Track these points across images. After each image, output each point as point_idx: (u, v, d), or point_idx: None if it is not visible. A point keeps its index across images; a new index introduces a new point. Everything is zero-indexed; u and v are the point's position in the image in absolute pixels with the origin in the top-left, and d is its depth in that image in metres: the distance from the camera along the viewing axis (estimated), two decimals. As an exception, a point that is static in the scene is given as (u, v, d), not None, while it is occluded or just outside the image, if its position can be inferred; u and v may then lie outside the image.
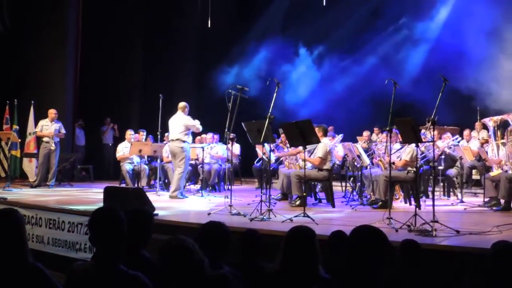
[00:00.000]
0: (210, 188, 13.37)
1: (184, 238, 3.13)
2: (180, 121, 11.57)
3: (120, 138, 15.45)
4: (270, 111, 8.84)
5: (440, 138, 12.06)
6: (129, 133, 13.92)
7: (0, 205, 10.17)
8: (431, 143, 8.87)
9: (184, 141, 11.54)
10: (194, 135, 13.50)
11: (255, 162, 14.20)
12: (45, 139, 13.73)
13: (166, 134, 13.33)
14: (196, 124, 11.69)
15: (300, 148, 9.66)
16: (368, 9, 16.00)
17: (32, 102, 14.81)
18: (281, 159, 12.53)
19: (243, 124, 9.42)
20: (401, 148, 10.34)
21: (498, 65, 12.58)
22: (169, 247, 3.08)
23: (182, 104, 11.80)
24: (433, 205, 7.36)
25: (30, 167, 14.86)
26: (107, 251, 3.38)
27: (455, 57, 13.07)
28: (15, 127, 15.06)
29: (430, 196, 9.93)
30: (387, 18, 15.45)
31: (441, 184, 12.07)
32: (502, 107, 11.63)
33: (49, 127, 13.65)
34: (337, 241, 4.82)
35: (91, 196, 11.68)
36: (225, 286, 3.32)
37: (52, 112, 13.84)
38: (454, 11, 14.58)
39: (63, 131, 13.85)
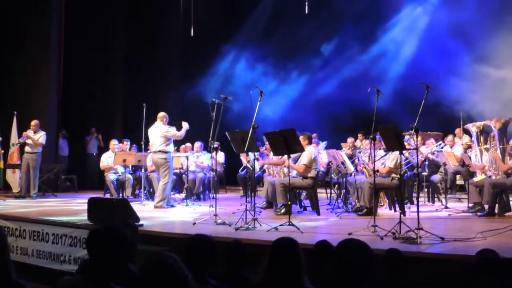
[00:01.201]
0: (195, 197, 13.34)
1: (167, 255, 3.11)
2: (159, 132, 11.55)
3: (105, 148, 15.39)
4: (253, 120, 8.83)
5: (423, 144, 12.13)
6: (113, 143, 13.87)
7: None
8: (415, 150, 8.90)
9: (166, 152, 11.52)
10: (179, 143, 13.47)
11: (239, 170, 14.20)
12: (26, 149, 13.65)
13: (150, 143, 13.29)
14: (177, 133, 11.66)
15: (285, 157, 9.66)
16: (351, 15, 15.98)
17: (15, 112, 14.72)
18: (265, 167, 12.53)
19: (227, 134, 9.41)
20: (385, 155, 10.38)
21: (479, 73, 12.66)
22: (152, 264, 3.06)
23: (161, 114, 11.79)
24: (418, 212, 7.38)
25: (14, 178, 14.74)
26: (104, 268, 3.36)
27: (437, 65, 13.17)
28: (-2, 138, 14.96)
29: (415, 202, 9.98)
30: (369, 27, 15.46)
31: (426, 190, 12.13)
32: (484, 113, 11.71)
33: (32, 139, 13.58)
34: (322, 251, 4.83)
35: (75, 207, 11.60)
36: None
37: (32, 124, 13.76)
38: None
39: (41, 140, 13.71)
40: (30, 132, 13.63)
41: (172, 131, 11.65)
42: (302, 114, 15.42)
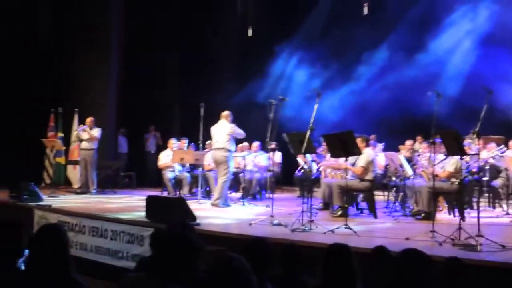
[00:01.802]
0: (251, 196, 13.35)
1: (233, 256, 3.06)
2: (225, 130, 11.62)
3: (163, 146, 15.58)
4: (311, 121, 8.79)
5: (485, 148, 11.85)
6: (172, 142, 13.99)
7: (45, 212, 10.41)
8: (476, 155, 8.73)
9: (228, 150, 11.59)
10: (236, 143, 13.50)
11: (296, 171, 14.15)
12: (83, 145, 13.92)
13: (207, 142, 13.39)
14: (241, 131, 11.76)
15: (343, 163, 9.57)
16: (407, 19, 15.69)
17: (76, 110, 15.04)
18: (321, 168, 12.47)
19: (284, 135, 9.40)
20: (444, 159, 10.17)
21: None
22: (218, 266, 3.00)
23: (225, 112, 11.86)
24: (478, 218, 7.21)
25: (74, 174, 15.09)
26: (166, 268, 3.38)
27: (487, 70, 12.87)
28: (60, 134, 15.35)
29: (475, 208, 9.77)
30: (421, 31, 15.17)
31: (486, 195, 11.85)
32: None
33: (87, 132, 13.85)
34: (380, 257, 4.77)
35: (133, 204, 11.76)
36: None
37: (87, 120, 14.06)
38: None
39: (97, 135, 13.97)
40: (86, 127, 13.91)
41: (238, 129, 11.74)
42: (354, 116, 15.24)
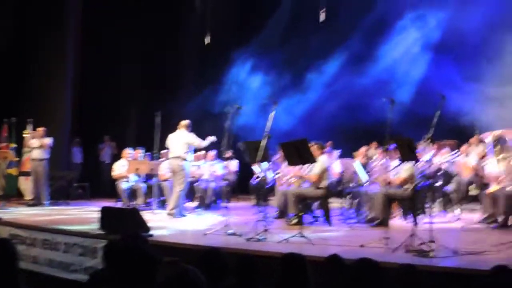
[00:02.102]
0: (207, 206, 13.27)
1: (188, 268, 3.04)
2: (182, 139, 11.55)
3: (118, 156, 15.41)
4: (268, 130, 8.79)
5: (438, 153, 12.00)
6: (127, 151, 13.83)
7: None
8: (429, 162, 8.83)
9: (184, 159, 11.51)
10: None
11: (251, 179, 14.13)
12: (33, 155, 13.66)
13: (163, 151, 13.29)
14: (199, 141, 11.68)
15: (299, 170, 9.60)
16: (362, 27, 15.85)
17: (30, 120, 14.77)
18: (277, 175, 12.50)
19: (240, 144, 9.39)
20: (398, 165, 10.27)
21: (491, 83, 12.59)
22: (173, 278, 2.98)
23: (184, 122, 11.78)
24: (431, 224, 7.29)
25: (27, 185, 14.77)
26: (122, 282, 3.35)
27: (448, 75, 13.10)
28: (12, 145, 15.05)
29: (428, 213, 9.89)
30: (377, 38, 15.35)
31: (439, 200, 12.00)
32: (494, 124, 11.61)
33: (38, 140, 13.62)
34: (333, 266, 4.78)
35: (87, 215, 11.57)
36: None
37: (39, 129, 13.83)
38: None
39: (48, 142, 13.72)
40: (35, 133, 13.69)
41: (197, 139, 11.66)
42: (307, 124, 15.32)
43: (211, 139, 11.87)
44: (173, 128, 11.84)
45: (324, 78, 16.05)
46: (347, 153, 13.67)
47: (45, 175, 13.65)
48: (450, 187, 11.73)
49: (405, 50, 14.59)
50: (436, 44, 14.21)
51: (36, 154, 13.64)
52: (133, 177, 13.31)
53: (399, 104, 8.56)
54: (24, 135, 14.07)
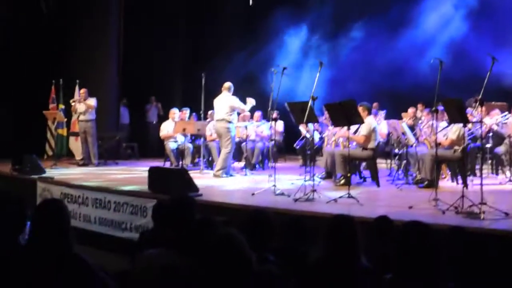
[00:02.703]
0: (253, 166, 13.31)
1: (233, 235, 3.06)
2: (226, 102, 11.55)
3: (164, 116, 15.52)
4: (313, 90, 8.73)
5: (488, 114, 11.78)
6: (173, 112, 13.91)
7: (47, 184, 10.43)
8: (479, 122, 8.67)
9: (229, 121, 11.53)
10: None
11: (298, 140, 14.10)
12: (80, 117, 13.90)
13: (209, 112, 13.34)
14: (241, 106, 11.68)
15: (345, 131, 9.53)
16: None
17: (77, 81, 14.96)
18: (324, 135, 12.47)
19: (286, 105, 9.35)
20: (447, 126, 10.12)
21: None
22: (218, 245, 3.01)
23: (226, 84, 11.78)
24: (481, 186, 7.18)
25: (76, 145, 14.99)
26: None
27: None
28: (61, 106, 15.31)
29: (478, 175, 9.75)
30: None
31: (489, 162, 11.82)
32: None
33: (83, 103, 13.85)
34: (383, 227, 4.76)
35: (136, 175, 11.76)
36: (272, 282, 3.28)
37: (81, 91, 14.07)
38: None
39: (92, 103, 13.95)
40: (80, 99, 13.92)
41: (240, 103, 11.68)
42: (357, 83, 15.17)
43: (251, 101, 11.86)
44: (219, 88, 11.85)
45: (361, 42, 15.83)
46: (394, 114, 13.56)
47: (93, 136, 13.86)
48: (501, 149, 11.50)
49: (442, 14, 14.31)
50: (474, 7, 13.87)
51: (83, 116, 13.86)
52: (180, 137, 13.40)
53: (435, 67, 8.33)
54: (71, 103, 14.26)
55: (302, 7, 16.94)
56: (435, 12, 14.23)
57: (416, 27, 14.20)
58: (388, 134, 12.42)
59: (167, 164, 13.22)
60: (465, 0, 13.94)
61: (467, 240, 4.78)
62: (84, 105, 13.75)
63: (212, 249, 2.98)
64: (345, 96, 10.21)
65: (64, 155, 15.34)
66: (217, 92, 11.85)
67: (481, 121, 8.29)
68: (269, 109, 10.09)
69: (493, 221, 6.46)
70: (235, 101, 11.63)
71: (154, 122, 17.51)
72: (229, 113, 11.53)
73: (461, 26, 13.67)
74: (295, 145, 14.16)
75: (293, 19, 16.57)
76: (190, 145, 13.41)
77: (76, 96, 14.67)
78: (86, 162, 13.86)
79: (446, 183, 10.43)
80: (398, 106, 14.47)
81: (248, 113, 14.00)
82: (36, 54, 15.92)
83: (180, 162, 13.21)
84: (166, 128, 13.64)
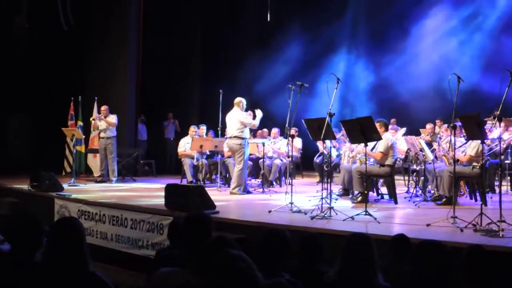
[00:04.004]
0: (270, 183, 13.29)
1: (237, 256, 3.03)
2: (236, 117, 11.57)
3: (182, 133, 15.57)
4: (330, 107, 8.71)
5: (506, 130, 11.68)
6: (192, 129, 13.93)
7: (65, 201, 10.47)
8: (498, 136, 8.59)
9: (241, 138, 11.53)
10: (255, 129, 13.39)
11: (316, 157, 14.10)
12: (102, 134, 13.99)
13: (226, 129, 13.38)
14: (252, 121, 11.68)
15: (363, 148, 9.50)
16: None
17: (96, 98, 15.07)
18: (341, 151, 12.44)
19: (303, 121, 9.35)
20: (465, 143, 10.04)
21: None
22: (221, 266, 2.99)
23: (237, 99, 11.80)
24: (500, 203, 7.10)
25: (95, 162, 15.11)
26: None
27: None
28: (80, 123, 15.44)
29: (497, 191, 9.64)
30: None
31: (508, 178, 11.71)
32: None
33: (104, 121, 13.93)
34: (400, 246, 4.72)
35: (153, 192, 11.74)
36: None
37: (102, 109, 14.13)
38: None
39: (113, 120, 14.01)
40: (101, 116, 13.98)
41: (249, 119, 11.71)
42: (373, 101, 15.18)
43: (259, 114, 11.86)
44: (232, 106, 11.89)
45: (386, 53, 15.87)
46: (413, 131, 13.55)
47: (114, 152, 13.96)
48: (520, 165, 11.41)
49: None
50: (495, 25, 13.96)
51: (104, 133, 13.96)
52: (197, 154, 13.42)
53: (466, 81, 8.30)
54: (91, 120, 14.35)
55: (318, 22, 17.02)
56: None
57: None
58: (407, 151, 12.35)
59: (185, 181, 13.23)
60: (486, 20, 14.00)
61: (486, 259, 4.70)
62: (105, 122, 13.85)
63: (217, 269, 2.98)
64: (362, 113, 10.23)
65: (82, 172, 15.45)
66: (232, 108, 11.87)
67: (499, 138, 8.20)
68: (286, 125, 10.08)
69: (512, 239, 6.38)
70: (245, 117, 11.65)
71: (172, 139, 17.59)
72: (241, 129, 11.53)
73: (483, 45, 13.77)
74: (315, 158, 14.16)
75: (310, 34, 16.67)
76: (206, 161, 13.42)
77: (95, 113, 14.79)
78: (104, 179, 13.93)
79: (465, 200, 10.34)
80: (415, 123, 14.44)
81: (266, 130, 14.04)
82: (55, 72, 16.09)
83: (197, 180, 13.20)
84: (184, 145, 13.68)
